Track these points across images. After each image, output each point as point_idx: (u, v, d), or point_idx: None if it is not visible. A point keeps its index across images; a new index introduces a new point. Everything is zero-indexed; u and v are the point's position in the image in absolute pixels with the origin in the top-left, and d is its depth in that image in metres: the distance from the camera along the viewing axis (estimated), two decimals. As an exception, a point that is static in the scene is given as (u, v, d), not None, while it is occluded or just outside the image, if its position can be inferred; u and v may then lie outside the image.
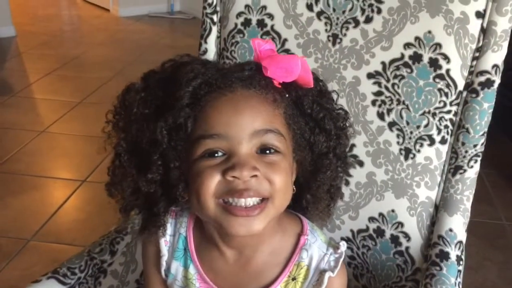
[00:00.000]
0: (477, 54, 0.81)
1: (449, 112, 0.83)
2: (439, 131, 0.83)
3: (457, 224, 0.84)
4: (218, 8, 0.96)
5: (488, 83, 0.80)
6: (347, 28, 0.87)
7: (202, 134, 0.60)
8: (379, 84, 0.85)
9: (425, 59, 0.82)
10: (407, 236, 0.86)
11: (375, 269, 0.90)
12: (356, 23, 0.86)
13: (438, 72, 0.81)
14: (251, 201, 0.59)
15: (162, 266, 0.71)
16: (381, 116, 0.86)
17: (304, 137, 0.64)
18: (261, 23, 0.92)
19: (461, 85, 0.82)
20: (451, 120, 0.83)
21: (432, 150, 0.84)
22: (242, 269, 0.67)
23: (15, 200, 2.06)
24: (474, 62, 0.81)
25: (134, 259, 0.91)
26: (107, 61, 3.76)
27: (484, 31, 0.80)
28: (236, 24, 0.94)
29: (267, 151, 0.60)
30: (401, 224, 0.86)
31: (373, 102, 0.86)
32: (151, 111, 0.62)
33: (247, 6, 0.92)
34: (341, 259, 0.67)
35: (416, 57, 0.82)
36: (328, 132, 0.65)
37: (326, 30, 0.88)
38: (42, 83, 3.33)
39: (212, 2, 0.95)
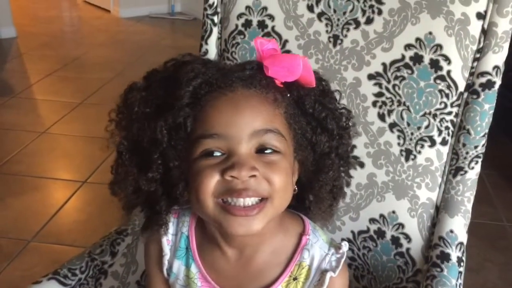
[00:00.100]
0: (478, 55, 0.81)
1: (450, 113, 0.83)
2: (440, 132, 0.83)
3: (458, 226, 0.83)
4: (218, 9, 0.96)
5: (489, 84, 0.80)
6: (348, 29, 0.87)
7: (201, 134, 0.60)
8: (379, 85, 0.85)
9: (426, 60, 0.82)
10: (407, 238, 0.86)
11: (375, 270, 0.90)
12: (357, 24, 0.86)
13: (439, 73, 0.81)
14: (249, 201, 0.59)
15: (164, 265, 0.71)
16: (381, 117, 0.86)
17: (306, 137, 0.64)
18: (261, 24, 0.92)
19: (462, 86, 0.82)
20: (452, 121, 0.83)
21: (433, 151, 0.84)
22: (243, 268, 0.67)
23: (16, 201, 2.06)
24: (475, 63, 0.81)
25: (134, 260, 0.91)
26: (108, 62, 3.76)
27: (485, 32, 0.80)
28: (236, 25, 0.94)
29: (267, 151, 0.60)
30: (401, 225, 0.86)
31: (374, 103, 0.86)
32: (152, 110, 0.62)
33: (247, 7, 0.92)
34: (343, 259, 0.67)
35: (417, 58, 0.82)
36: (330, 132, 0.65)
37: (326, 31, 0.88)
38: (43, 84, 3.34)
39: (213, 3, 0.95)
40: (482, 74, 0.80)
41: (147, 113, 0.62)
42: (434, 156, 0.84)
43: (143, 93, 0.63)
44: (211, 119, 0.60)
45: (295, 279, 0.67)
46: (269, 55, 0.62)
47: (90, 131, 2.65)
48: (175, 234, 0.71)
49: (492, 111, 0.82)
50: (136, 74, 0.65)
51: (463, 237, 0.84)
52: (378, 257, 0.89)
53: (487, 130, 0.83)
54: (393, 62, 0.84)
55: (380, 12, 0.84)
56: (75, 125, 2.75)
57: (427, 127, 0.83)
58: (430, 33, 0.81)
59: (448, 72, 0.81)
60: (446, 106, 0.82)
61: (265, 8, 0.91)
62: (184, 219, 0.71)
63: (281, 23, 0.91)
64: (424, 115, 0.83)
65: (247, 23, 0.93)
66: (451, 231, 0.83)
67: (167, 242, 0.70)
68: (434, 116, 0.83)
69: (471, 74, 0.81)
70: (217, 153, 0.60)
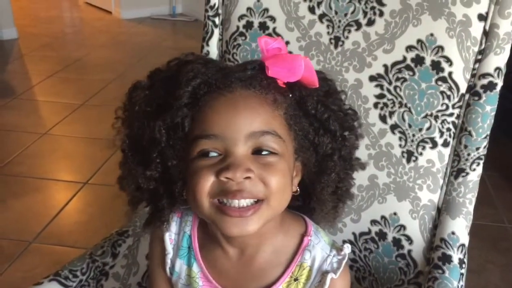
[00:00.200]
0: (479, 57, 0.80)
1: (451, 115, 0.82)
2: (442, 134, 0.83)
3: (459, 227, 0.83)
4: (220, 11, 0.96)
5: (491, 86, 0.80)
6: (349, 31, 0.87)
7: (199, 134, 0.60)
8: (381, 86, 0.85)
9: (427, 61, 0.82)
10: (409, 239, 0.86)
11: (377, 272, 0.90)
12: (358, 25, 0.86)
13: (441, 74, 0.81)
14: (244, 202, 0.59)
15: (167, 264, 0.71)
16: (383, 118, 0.86)
17: (308, 138, 0.64)
18: (263, 26, 0.92)
19: (463, 87, 0.82)
20: (453, 123, 0.83)
21: (435, 153, 0.84)
22: (244, 268, 0.68)
23: (17, 202, 2.06)
24: (477, 65, 0.81)
25: (135, 261, 0.91)
26: (109, 63, 3.77)
27: (486, 33, 0.79)
28: (238, 27, 0.94)
29: (264, 153, 0.60)
30: (403, 227, 0.86)
31: (375, 105, 0.86)
32: (153, 109, 0.62)
33: (249, 8, 0.92)
34: (344, 261, 0.66)
35: (418, 60, 0.82)
36: (333, 133, 0.64)
37: (328, 32, 0.88)
38: (44, 85, 3.34)
39: (214, 5, 0.96)
40: (484, 75, 0.80)
41: (148, 112, 0.63)
42: (435, 158, 0.84)
43: (146, 92, 0.64)
44: (208, 120, 0.60)
45: (296, 279, 0.67)
46: (271, 55, 0.62)
47: (92, 132, 2.66)
48: (177, 233, 0.71)
49: (493, 113, 0.82)
50: (137, 75, 0.65)
51: (464, 239, 0.84)
52: (379, 259, 0.89)
53: (488, 132, 0.82)
54: (395, 64, 0.84)
55: (381, 13, 0.84)
56: (76, 126, 2.75)
57: (428, 128, 0.83)
58: (432, 34, 0.81)
59: (450, 73, 0.81)
60: (447, 107, 0.82)
61: (266, 10, 0.92)
62: (187, 219, 0.71)
63: (282, 24, 0.91)
64: (425, 116, 0.83)
65: (248, 25, 0.93)
66: (453, 233, 0.83)
67: (169, 241, 0.71)
68: (436, 117, 0.83)
69: (473, 75, 0.81)
70: (213, 154, 0.60)
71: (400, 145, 0.85)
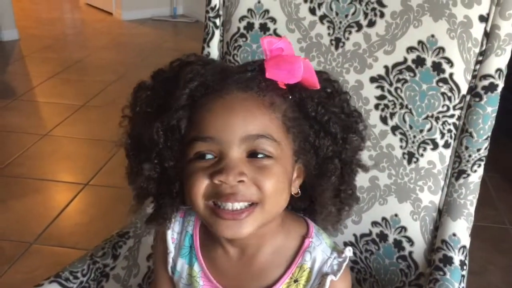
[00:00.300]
0: (480, 58, 0.80)
1: (452, 116, 0.82)
2: (443, 135, 0.83)
3: (460, 229, 0.83)
4: (220, 12, 0.96)
5: (492, 87, 0.80)
6: (350, 32, 0.87)
7: (195, 136, 0.61)
8: (382, 88, 0.85)
9: (428, 63, 0.82)
10: (410, 241, 0.86)
11: (378, 274, 0.89)
12: (359, 27, 0.86)
13: (441, 76, 0.81)
14: (238, 205, 0.59)
15: (169, 263, 0.72)
16: (384, 120, 0.85)
17: (308, 140, 0.63)
18: (263, 27, 0.92)
19: (464, 89, 0.81)
20: (454, 124, 0.83)
21: (436, 154, 0.84)
22: (244, 268, 0.68)
23: (18, 203, 2.06)
24: (478, 66, 0.81)
25: (136, 263, 0.91)
26: (110, 64, 3.77)
27: (487, 35, 0.79)
28: (238, 28, 0.94)
29: (259, 156, 0.60)
30: (404, 228, 0.86)
31: (376, 106, 0.86)
32: (153, 110, 0.63)
33: (249, 10, 0.92)
34: (345, 264, 0.66)
35: (419, 61, 0.82)
36: (333, 136, 0.63)
37: (329, 34, 0.88)
38: (45, 86, 3.34)
39: (215, 6, 0.96)
40: (485, 77, 0.80)
41: (148, 112, 0.63)
42: (436, 159, 0.84)
43: (148, 92, 0.64)
44: (204, 122, 0.60)
45: (296, 281, 0.67)
46: (272, 56, 0.62)
47: (93, 134, 2.66)
48: (180, 233, 0.72)
49: (494, 114, 0.82)
50: (138, 76, 0.65)
51: (466, 240, 0.84)
52: (380, 261, 0.89)
53: (489, 133, 0.82)
54: (395, 65, 0.84)
55: (382, 15, 0.84)
56: (77, 127, 2.75)
57: (429, 130, 0.83)
58: (433, 35, 0.81)
59: (451, 75, 0.81)
60: (448, 109, 0.82)
61: (267, 11, 0.91)
62: (189, 218, 0.72)
63: (283, 25, 0.91)
64: (426, 118, 0.83)
65: (249, 26, 0.93)
66: (454, 235, 0.83)
67: (172, 240, 0.71)
68: (437, 119, 0.83)
69: (474, 77, 0.81)
70: (209, 156, 0.60)
71: (401, 147, 0.85)
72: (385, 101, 0.85)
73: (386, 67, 0.84)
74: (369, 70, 0.85)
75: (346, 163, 0.65)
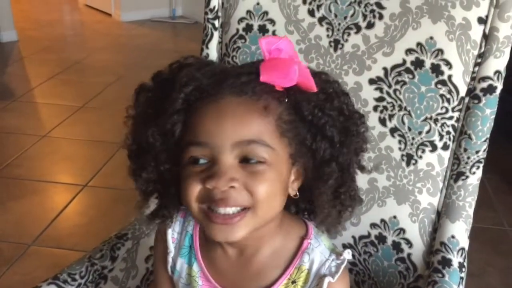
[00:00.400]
0: (479, 60, 0.80)
1: (451, 118, 0.82)
2: (441, 137, 0.83)
3: (459, 231, 0.83)
4: (219, 14, 0.96)
5: (490, 89, 0.80)
6: (349, 34, 0.87)
7: (189, 140, 0.61)
8: (380, 89, 0.85)
9: (427, 65, 0.82)
10: (409, 243, 0.86)
11: (376, 276, 0.89)
12: (358, 28, 0.86)
13: (440, 78, 0.81)
14: (230, 210, 0.60)
15: (169, 262, 0.72)
16: (382, 122, 0.85)
17: (304, 143, 0.62)
18: (262, 29, 0.92)
19: (463, 91, 0.81)
20: (453, 126, 0.83)
21: (434, 156, 0.84)
22: (243, 268, 0.68)
23: (16, 205, 2.06)
24: (476, 68, 0.81)
25: (134, 265, 0.91)
26: (109, 65, 3.77)
27: (486, 37, 0.79)
28: (237, 30, 0.94)
29: (251, 161, 0.59)
30: (403, 230, 0.86)
31: (375, 108, 0.86)
32: (151, 113, 0.63)
33: (248, 11, 0.92)
34: (343, 266, 0.66)
35: (418, 63, 0.82)
36: (330, 139, 0.62)
37: (327, 35, 0.88)
38: (44, 87, 3.34)
39: (214, 8, 0.96)
40: (484, 79, 0.80)
41: (146, 115, 0.64)
42: (435, 161, 0.84)
43: (149, 94, 0.64)
44: (198, 127, 0.60)
45: (293, 282, 0.67)
46: (268, 59, 0.61)
47: (91, 135, 2.66)
48: (180, 233, 0.72)
49: (493, 116, 0.82)
50: (137, 78, 0.65)
51: (464, 242, 0.84)
52: (379, 263, 0.89)
53: (488, 135, 0.82)
54: (394, 67, 0.84)
55: (381, 16, 0.84)
56: (76, 128, 2.75)
57: (428, 132, 0.83)
58: (431, 37, 0.81)
59: (449, 77, 0.81)
60: (447, 111, 0.82)
61: (266, 13, 0.91)
62: (190, 218, 0.72)
63: (282, 27, 0.91)
64: (425, 120, 0.83)
65: (248, 28, 0.93)
66: (453, 237, 0.83)
67: (172, 240, 0.72)
68: (435, 121, 0.82)
69: (472, 79, 0.81)
70: (202, 161, 0.60)
71: (399, 148, 0.85)
72: (384, 103, 0.85)
73: (385, 69, 0.84)
74: (368, 72, 0.85)
75: (344, 167, 0.64)
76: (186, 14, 5.30)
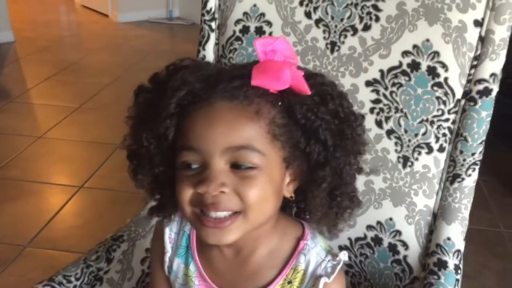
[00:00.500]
0: (475, 63, 0.81)
1: (447, 120, 0.83)
2: (437, 139, 0.83)
3: (455, 233, 0.83)
4: (216, 15, 0.96)
5: (486, 92, 0.80)
6: (346, 36, 0.87)
7: (182, 145, 0.61)
8: (377, 92, 0.85)
9: (423, 67, 0.82)
10: (405, 245, 0.86)
11: (372, 278, 0.89)
12: (355, 31, 0.86)
13: (436, 80, 0.81)
14: (221, 213, 0.60)
15: (165, 262, 0.72)
16: (379, 124, 0.85)
17: (298, 147, 0.62)
18: (259, 30, 0.92)
19: (459, 93, 0.82)
20: (449, 128, 0.83)
21: (430, 158, 0.84)
22: (239, 268, 0.68)
23: (12, 206, 2.05)
24: (472, 71, 0.81)
25: (130, 266, 0.91)
26: (106, 66, 3.76)
27: (482, 39, 0.80)
28: (234, 31, 0.94)
29: (242, 166, 0.60)
30: (399, 232, 0.86)
31: (371, 110, 0.86)
32: (147, 115, 0.63)
33: (245, 13, 0.92)
34: (339, 266, 0.66)
35: (414, 65, 0.82)
36: (323, 143, 0.62)
37: (324, 37, 0.88)
38: (40, 88, 3.33)
39: (211, 9, 0.96)
40: (479, 81, 0.81)
41: (142, 117, 0.64)
42: (431, 163, 0.84)
43: (147, 95, 0.65)
44: (189, 131, 0.61)
45: (289, 282, 0.67)
46: (260, 63, 0.61)
47: (88, 136, 2.65)
48: (177, 233, 0.73)
49: (489, 118, 0.82)
50: (134, 79, 0.65)
51: (460, 244, 0.84)
52: (375, 264, 0.89)
53: (484, 137, 0.83)
54: (391, 69, 0.84)
55: (377, 19, 0.84)
56: (72, 129, 2.74)
57: (424, 134, 0.83)
58: (428, 40, 0.81)
59: (446, 79, 0.81)
60: (443, 113, 0.82)
61: (262, 14, 0.91)
62: None
63: (278, 29, 0.91)
64: (421, 122, 0.83)
65: (245, 29, 0.93)
66: (448, 239, 0.83)
67: (169, 240, 0.72)
68: (432, 123, 0.83)
69: (469, 81, 0.81)
70: (194, 165, 0.61)
71: (396, 150, 0.85)
72: (380, 105, 0.85)
73: (381, 71, 0.84)
74: (365, 74, 0.86)
75: (337, 170, 0.63)
76: (183, 16, 5.30)
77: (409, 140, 0.84)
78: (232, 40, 0.94)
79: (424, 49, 0.81)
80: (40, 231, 1.90)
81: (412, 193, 0.85)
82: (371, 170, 0.83)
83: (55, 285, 0.78)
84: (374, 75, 0.85)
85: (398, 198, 0.86)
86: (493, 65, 0.80)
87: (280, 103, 0.61)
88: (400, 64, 0.83)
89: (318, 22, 0.88)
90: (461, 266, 0.83)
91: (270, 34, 0.91)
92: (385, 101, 0.85)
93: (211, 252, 0.69)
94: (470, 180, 0.84)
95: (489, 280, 1.73)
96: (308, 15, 0.89)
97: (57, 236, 1.89)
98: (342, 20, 0.87)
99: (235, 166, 0.60)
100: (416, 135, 0.83)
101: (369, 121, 0.86)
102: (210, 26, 0.96)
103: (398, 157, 0.85)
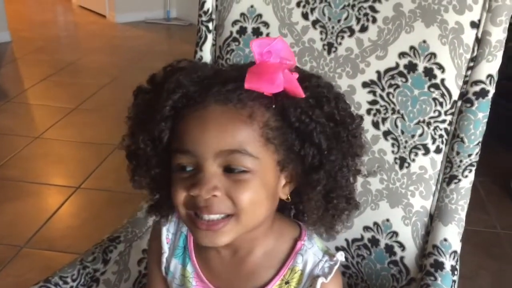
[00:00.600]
0: (471, 64, 0.81)
1: (444, 121, 0.83)
2: (434, 140, 0.83)
3: (451, 234, 0.83)
4: (213, 16, 0.96)
5: (483, 93, 0.81)
6: (342, 37, 0.87)
7: (176, 148, 0.62)
8: (374, 93, 0.85)
9: (420, 68, 0.82)
10: (401, 246, 0.86)
11: (369, 279, 0.89)
12: (351, 32, 0.86)
13: (433, 81, 0.81)
14: (214, 216, 0.60)
15: (163, 263, 0.73)
16: (376, 125, 0.86)
17: (293, 150, 0.61)
18: (256, 31, 0.92)
19: (455, 94, 0.82)
20: (445, 129, 0.83)
21: (427, 159, 0.84)
22: (236, 269, 0.68)
23: (9, 207, 2.05)
24: (469, 72, 0.81)
25: (127, 268, 0.91)
26: (103, 67, 3.76)
27: (478, 41, 0.80)
28: (231, 32, 0.94)
29: (235, 170, 0.60)
30: (395, 233, 0.86)
31: (368, 111, 0.86)
32: (144, 117, 0.64)
33: (242, 14, 0.92)
34: (336, 267, 0.66)
35: (411, 67, 0.82)
36: (318, 146, 0.61)
37: (321, 38, 0.88)
38: (37, 89, 3.33)
39: (208, 10, 0.96)
40: (476, 82, 0.81)
41: (139, 118, 0.64)
42: (428, 164, 0.84)
43: (146, 95, 0.65)
44: (183, 134, 0.61)
45: (287, 282, 0.67)
46: (256, 65, 0.61)
47: (85, 137, 2.65)
48: (174, 233, 0.73)
49: (486, 120, 0.82)
50: (131, 79, 0.66)
51: (457, 245, 0.84)
52: (372, 265, 0.89)
53: (481, 139, 0.83)
54: (387, 70, 0.84)
55: (374, 20, 0.85)
56: (69, 130, 2.74)
57: (421, 135, 0.83)
58: (424, 41, 0.81)
59: (442, 80, 0.81)
60: (440, 114, 0.82)
61: (260, 15, 0.92)
62: None
63: (275, 30, 0.91)
64: (418, 123, 0.83)
65: (242, 30, 0.93)
66: (445, 240, 0.83)
67: (166, 240, 0.72)
68: (428, 124, 0.83)
69: (465, 82, 0.82)
70: (189, 168, 0.61)
71: (392, 152, 0.85)
72: (377, 106, 0.85)
73: (378, 72, 0.85)
74: (361, 75, 0.86)
75: (332, 174, 0.63)
76: (180, 16, 5.30)
77: (406, 141, 0.84)
78: (229, 41, 0.94)
79: (421, 51, 0.82)
80: (37, 232, 1.90)
81: (409, 194, 0.85)
82: (369, 172, 0.83)
83: (51, 286, 0.78)
84: (371, 76, 0.85)
85: (395, 199, 0.86)
86: (490, 67, 0.80)
87: (274, 106, 0.60)
88: (397, 65, 0.83)
89: (315, 23, 0.88)
90: (457, 267, 0.83)
91: (267, 35, 0.91)
92: (382, 102, 0.85)
93: (208, 253, 0.69)
94: (466, 181, 0.84)
95: (485, 281, 1.74)
96: (305, 16, 0.89)
97: (54, 237, 1.88)
98: (339, 21, 0.87)
99: (228, 170, 0.60)
100: (413, 136, 0.84)
101: (366, 122, 0.86)
102: (207, 27, 0.96)
103: (395, 158, 0.85)
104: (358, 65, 0.86)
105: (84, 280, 0.83)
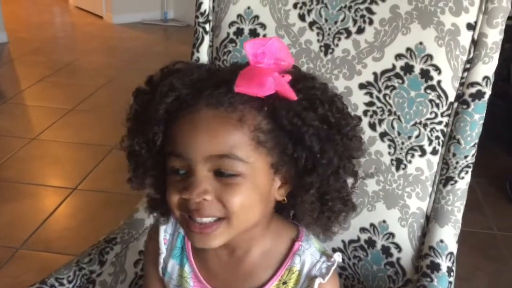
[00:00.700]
0: (468, 66, 0.81)
1: (440, 123, 0.83)
2: (430, 142, 0.83)
3: (448, 235, 0.83)
4: (210, 17, 0.96)
5: (479, 95, 0.81)
6: (339, 39, 0.87)
7: (169, 151, 0.62)
8: (370, 94, 0.85)
9: (417, 70, 0.82)
10: (398, 247, 0.86)
11: (366, 280, 0.89)
12: (348, 33, 0.86)
13: (430, 83, 0.82)
14: (206, 219, 0.61)
15: (160, 264, 0.73)
16: (372, 126, 0.86)
17: (285, 152, 0.61)
18: (253, 33, 0.92)
19: (452, 96, 0.82)
20: (442, 131, 0.83)
21: (423, 161, 0.84)
22: (234, 269, 0.68)
23: (5, 208, 2.04)
24: (465, 74, 0.81)
25: (123, 269, 0.90)
26: (100, 68, 3.75)
27: (475, 43, 0.80)
28: (228, 34, 0.94)
29: (225, 174, 0.60)
30: (392, 235, 0.86)
31: (365, 113, 0.86)
32: (140, 119, 0.64)
33: (239, 15, 0.93)
34: (333, 267, 0.66)
35: (408, 68, 0.83)
36: (309, 149, 0.60)
37: (318, 40, 0.88)
38: (34, 89, 3.32)
39: (205, 11, 0.96)
40: (472, 84, 0.81)
41: (137, 120, 0.64)
42: (424, 166, 0.84)
43: (145, 96, 0.65)
44: (176, 137, 0.61)
45: (284, 283, 0.67)
46: (248, 68, 0.60)
47: (81, 138, 2.64)
48: (172, 234, 0.73)
49: (482, 121, 0.82)
50: (128, 80, 0.66)
51: (453, 247, 0.84)
52: (368, 267, 0.89)
53: (477, 140, 0.83)
54: (384, 72, 0.84)
55: (371, 22, 0.85)
56: (66, 131, 2.73)
57: (417, 136, 0.83)
58: (421, 43, 0.82)
59: (439, 82, 0.81)
60: (436, 116, 0.82)
61: (256, 17, 0.92)
62: None
63: (272, 31, 0.91)
64: (414, 124, 0.83)
65: (239, 32, 0.93)
66: (441, 241, 0.83)
67: (164, 241, 0.72)
68: (425, 125, 0.83)
69: (461, 84, 0.82)
70: (182, 171, 0.62)
71: (389, 153, 0.85)
72: (374, 108, 0.85)
73: (374, 73, 0.85)
74: (358, 76, 0.86)
75: (325, 177, 0.62)
76: (177, 17, 5.30)
77: (403, 143, 0.84)
78: (226, 43, 0.94)
79: (417, 52, 0.82)
80: (33, 233, 1.89)
81: (405, 196, 0.85)
82: (366, 174, 0.83)
83: (47, 287, 0.78)
84: (368, 78, 0.85)
85: (392, 201, 0.86)
86: (486, 68, 0.80)
87: (266, 108, 0.60)
88: (394, 67, 0.83)
89: (312, 24, 0.89)
90: (454, 268, 0.83)
91: (264, 36, 0.91)
92: (379, 104, 0.85)
93: (206, 253, 0.69)
94: (463, 183, 0.84)
95: (482, 282, 1.74)
96: (302, 17, 0.89)
97: (51, 238, 1.88)
98: (335, 22, 0.87)
99: (219, 174, 0.60)
100: (409, 137, 0.84)
101: (363, 124, 0.86)
102: (204, 28, 0.96)
103: (392, 160, 0.85)
104: (354, 66, 0.86)
105: (80, 281, 0.83)
